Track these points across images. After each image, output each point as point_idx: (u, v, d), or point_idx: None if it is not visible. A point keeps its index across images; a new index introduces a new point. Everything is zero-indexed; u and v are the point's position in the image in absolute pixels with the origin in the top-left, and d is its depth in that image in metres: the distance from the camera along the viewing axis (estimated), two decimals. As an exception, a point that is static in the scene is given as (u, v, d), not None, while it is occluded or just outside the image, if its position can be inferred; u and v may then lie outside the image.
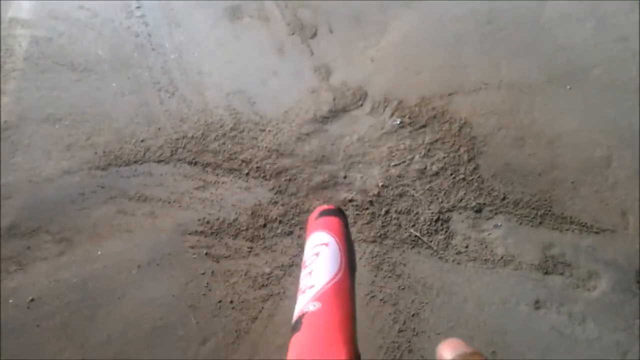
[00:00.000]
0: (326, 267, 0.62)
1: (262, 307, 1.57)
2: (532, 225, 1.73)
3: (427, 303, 1.60)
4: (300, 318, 0.53)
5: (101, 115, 1.94)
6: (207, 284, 1.61)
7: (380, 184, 1.82)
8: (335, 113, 2.00)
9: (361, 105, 2.04)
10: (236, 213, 1.75)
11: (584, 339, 1.55)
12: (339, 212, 0.79)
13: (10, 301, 1.55)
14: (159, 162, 1.84)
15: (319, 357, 0.45)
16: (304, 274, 0.64)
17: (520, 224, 1.74)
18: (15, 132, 1.86)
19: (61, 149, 1.84)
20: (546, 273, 1.65)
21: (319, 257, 0.65)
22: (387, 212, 1.76)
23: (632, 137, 1.90)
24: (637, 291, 1.61)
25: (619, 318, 1.58)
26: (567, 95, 2.04)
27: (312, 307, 0.54)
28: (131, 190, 1.77)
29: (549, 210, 1.75)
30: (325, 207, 0.81)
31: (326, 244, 0.68)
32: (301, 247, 1.66)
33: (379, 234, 1.71)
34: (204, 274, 1.63)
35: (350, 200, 1.79)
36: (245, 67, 2.15)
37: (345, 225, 0.76)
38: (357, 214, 1.76)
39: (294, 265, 1.65)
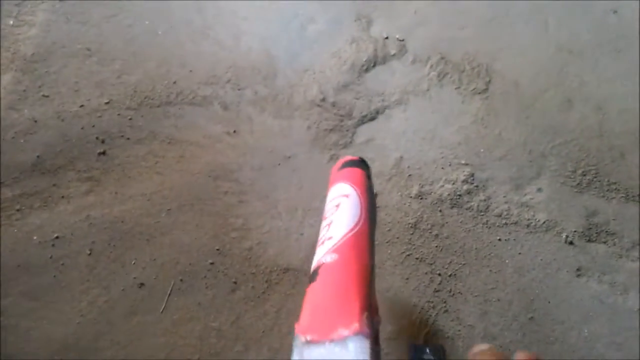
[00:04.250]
0: (345, 219, 0.61)
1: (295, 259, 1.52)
2: (576, 191, 1.67)
3: (464, 264, 1.54)
4: (317, 269, 0.52)
5: (132, 53, 1.86)
6: (238, 231, 1.55)
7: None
8: (374, 64, 1.93)
9: (402, 58, 1.96)
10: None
11: (624, 309, 1.50)
12: (362, 163, 0.78)
13: (35, 238, 1.49)
14: (191, 104, 1.77)
15: (333, 307, 0.43)
16: (323, 225, 0.63)
17: (565, 189, 1.67)
18: (43, 66, 1.78)
19: (90, 85, 1.76)
20: (589, 241, 1.59)
21: (339, 208, 0.64)
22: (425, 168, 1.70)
23: (684, 106, 1.83)
24: (683, 264, 1.56)
25: (662, 290, 1.53)
26: (617, 59, 1.96)
27: (329, 258, 0.53)
28: (162, 132, 1.71)
29: (595, 177, 1.69)
30: (348, 158, 0.80)
31: (347, 196, 0.67)
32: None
33: (417, 192, 1.64)
34: (235, 221, 1.57)
35: (388, 156, 1.73)
36: (282, 12, 2.06)
37: (368, 177, 0.76)
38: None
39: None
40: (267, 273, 1.49)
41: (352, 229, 0.58)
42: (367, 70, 1.91)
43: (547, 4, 2.12)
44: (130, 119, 1.72)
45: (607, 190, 1.67)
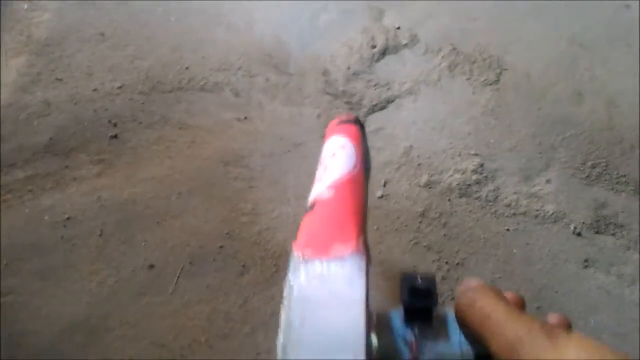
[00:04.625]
0: (341, 164, 0.61)
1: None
2: (585, 183, 1.67)
3: (472, 253, 1.55)
4: (313, 203, 0.52)
5: (146, 39, 1.88)
6: (248, 215, 1.56)
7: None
8: (386, 55, 1.93)
9: (413, 48, 1.97)
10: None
11: (632, 301, 1.50)
12: (357, 121, 0.77)
13: (46, 218, 1.51)
14: (202, 90, 1.78)
15: (330, 230, 0.44)
16: (319, 169, 0.62)
17: (574, 180, 1.68)
18: (56, 50, 1.80)
19: (103, 69, 1.78)
20: (597, 232, 1.59)
21: (335, 156, 0.64)
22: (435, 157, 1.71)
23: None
24: (690, 257, 1.56)
25: (670, 283, 1.52)
26: (628, 54, 1.96)
27: (326, 194, 0.53)
28: (173, 117, 1.72)
29: (605, 170, 1.69)
30: (344, 116, 0.78)
31: (342, 146, 0.66)
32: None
33: (426, 181, 1.65)
34: (245, 206, 1.58)
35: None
36: (295, 1, 2.07)
37: (363, 134, 0.74)
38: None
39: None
40: (276, 257, 1.50)
41: (348, 172, 0.59)
42: (378, 59, 1.92)
43: (559, -2, 2.12)
44: (143, 103, 1.73)
45: (617, 182, 1.67)
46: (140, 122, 1.69)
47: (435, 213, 1.60)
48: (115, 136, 1.65)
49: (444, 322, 0.39)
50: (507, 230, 1.58)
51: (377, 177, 1.65)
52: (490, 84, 1.87)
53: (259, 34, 1.95)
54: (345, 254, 0.39)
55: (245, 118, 1.74)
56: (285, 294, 0.36)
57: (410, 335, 0.38)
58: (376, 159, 1.68)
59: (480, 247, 1.55)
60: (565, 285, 1.51)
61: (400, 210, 1.60)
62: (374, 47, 1.95)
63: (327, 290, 0.36)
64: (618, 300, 1.50)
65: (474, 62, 1.92)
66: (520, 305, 0.39)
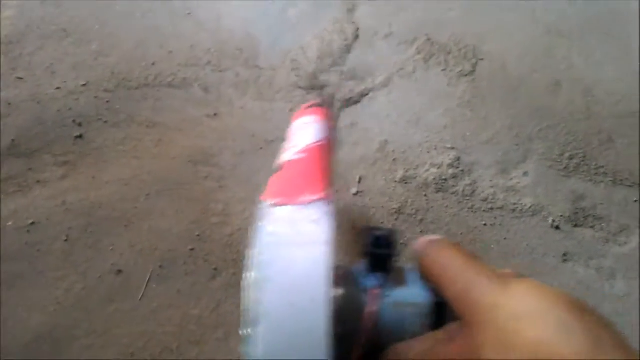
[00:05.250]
0: (310, 135, 0.63)
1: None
2: (563, 175, 1.65)
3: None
4: (281, 165, 0.54)
5: (110, 35, 1.81)
6: (219, 216, 1.52)
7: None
8: (358, 47, 1.89)
9: (387, 40, 1.93)
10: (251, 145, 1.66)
11: (612, 294, 1.48)
12: (324, 103, 0.82)
13: (9, 224, 1.45)
14: (170, 86, 1.73)
15: (299, 180, 0.47)
16: (286, 144, 0.64)
17: (551, 173, 1.65)
18: (17, 47, 1.73)
19: (66, 67, 1.72)
20: (576, 225, 1.57)
21: (302, 130, 0.67)
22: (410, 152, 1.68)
23: (672, 89, 1.81)
24: (670, 248, 1.54)
25: (649, 276, 1.51)
26: (606, 42, 1.94)
27: (296, 157, 0.55)
28: (140, 115, 1.66)
29: (582, 161, 1.67)
30: (312, 102, 0.84)
31: (310, 123, 0.70)
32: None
33: (402, 176, 1.61)
34: (215, 206, 1.53)
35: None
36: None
37: (330, 114, 0.80)
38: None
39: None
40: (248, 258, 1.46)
41: (317, 141, 0.61)
42: (350, 52, 1.88)
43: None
44: (108, 101, 1.67)
45: (595, 174, 1.65)
46: (106, 121, 1.64)
47: (412, 209, 1.57)
48: (80, 136, 1.60)
49: (404, 272, 0.41)
50: (485, 225, 1.56)
51: (351, 173, 1.61)
52: (466, 75, 1.83)
53: (228, 27, 1.90)
54: (313, 200, 0.41)
55: (215, 115, 1.70)
56: (254, 236, 0.37)
57: (371, 283, 0.40)
58: (350, 154, 1.64)
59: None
60: (544, 280, 1.47)
61: (376, 207, 1.56)
62: (346, 39, 1.90)
63: (294, 231, 0.38)
64: (598, 295, 1.48)
65: (449, 53, 1.88)
66: (477, 258, 0.39)
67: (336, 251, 0.39)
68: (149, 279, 1.41)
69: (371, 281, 0.40)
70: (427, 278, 0.37)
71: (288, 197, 0.42)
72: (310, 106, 0.83)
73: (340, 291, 0.38)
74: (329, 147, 0.64)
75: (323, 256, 0.35)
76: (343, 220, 1.52)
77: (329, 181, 0.49)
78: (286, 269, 0.35)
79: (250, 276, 0.35)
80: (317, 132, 0.66)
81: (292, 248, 0.36)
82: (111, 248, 1.45)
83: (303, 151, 0.57)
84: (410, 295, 0.39)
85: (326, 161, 0.57)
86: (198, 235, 1.48)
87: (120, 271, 1.42)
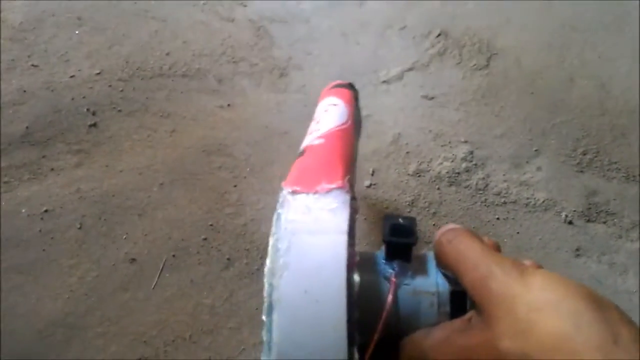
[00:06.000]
0: (333, 119, 0.65)
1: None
2: (577, 170, 1.64)
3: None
4: (304, 150, 0.56)
5: (125, 24, 1.81)
6: (232, 206, 1.52)
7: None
8: (373, 39, 1.89)
9: (402, 32, 1.92)
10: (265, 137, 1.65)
11: (624, 290, 1.48)
12: (350, 86, 0.83)
13: (23, 211, 1.45)
14: (184, 76, 1.73)
15: (318, 169, 0.48)
16: (312, 124, 0.66)
17: (564, 168, 1.65)
18: (31, 35, 1.73)
19: (81, 56, 1.72)
20: (589, 221, 1.57)
21: (327, 112, 0.68)
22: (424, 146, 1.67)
23: (687, 86, 1.80)
24: (682, 245, 1.54)
25: (661, 271, 1.50)
26: (620, 38, 1.93)
27: (317, 142, 0.57)
28: (154, 105, 1.66)
29: (596, 156, 1.66)
30: (339, 81, 0.85)
31: (335, 104, 0.71)
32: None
33: (415, 170, 1.61)
34: (229, 196, 1.53)
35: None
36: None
37: (356, 98, 0.81)
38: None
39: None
40: (261, 250, 1.46)
41: (339, 126, 0.62)
42: (365, 44, 1.88)
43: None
44: (122, 90, 1.67)
45: (608, 169, 1.64)
46: (120, 110, 1.64)
47: (425, 202, 1.57)
48: (94, 125, 1.60)
49: (423, 261, 0.41)
50: (498, 219, 1.56)
51: (364, 166, 1.61)
52: (481, 69, 1.83)
53: (243, 18, 1.90)
54: (331, 189, 0.42)
55: (229, 105, 1.70)
56: (273, 223, 0.39)
57: (390, 271, 0.40)
58: (364, 147, 1.64)
59: (471, 237, 1.52)
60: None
61: (389, 200, 1.56)
62: (360, 32, 1.90)
63: (312, 218, 0.39)
64: (610, 290, 1.48)
65: (463, 47, 1.88)
66: (497, 248, 0.39)
67: (355, 238, 0.41)
68: (162, 268, 1.42)
69: (391, 269, 0.40)
70: (445, 266, 0.38)
71: (307, 185, 0.43)
72: (335, 86, 0.84)
73: (359, 278, 0.38)
74: (351, 130, 0.65)
75: (339, 245, 0.36)
76: (363, 206, 1.53)
77: (348, 167, 0.50)
78: (302, 257, 0.35)
79: (268, 263, 0.36)
80: (340, 115, 0.66)
81: (309, 236, 0.37)
82: (125, 237, 1.45)
83: (324, 136, 0.59)
84: (429, 283, 0.39)
85: (347, 146, 0.58)
86: (211, 225, 1.48)
87: (134, 260, 1.42)
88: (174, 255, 1.43)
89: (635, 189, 1.62)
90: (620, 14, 1.99)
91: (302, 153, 0.56)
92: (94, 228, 1.45)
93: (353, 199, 0.43)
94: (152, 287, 1.39)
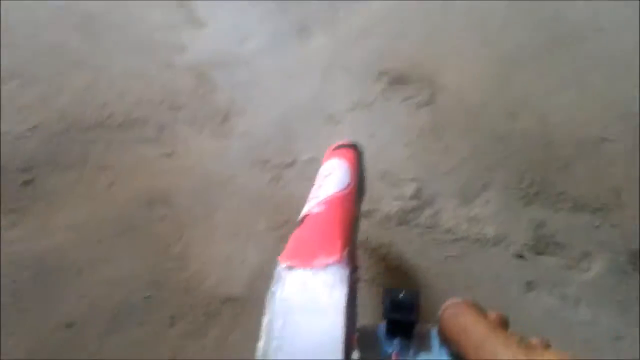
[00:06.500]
0: (335, 183, 0.65)
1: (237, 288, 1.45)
2: (524, 203, 1.64)
3: (414, 285, 1.50)
4: (303, 218, 0.55)
5: (59, 74, 1.77)
6: (176, 260, 1.47)
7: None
8: (315, 78, 1.88)
9: (345, 70, 1.92)
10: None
11: (577, 322, 1.47)
12: (355, 146, 0.86)
13: (-48, 280, 1.38)
14: (123, 126, 1.68)
15: (316, 242, 0.46)
16: (314, 188, 0.67)
17: (512, 201, 1.64)
18: (-42, 92, 1.68)
19: (12, 111, 1.66)
20: (538, 253, 1.56)
21: (330, 175, 0.69)
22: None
23: (627, 113, 1.83)
24: (632, 272, 1.54)
25: (613, 301, 1.49)
26: (560, 67, 1.95)
27: (316, 209, 0.56)
28: (92, 158, 1.61)
29: (542, 188, 1.66)
30: (343, 141, 0.89)
31: (338, 167, 0.72)
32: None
33: (364, 211, 1.59)
34: (173, 249, 1.49)
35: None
36: (220, 24, 2.00)
37: (360, 156, 0.84)
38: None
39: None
40: (206, 304, 1.41)
41: (340, 190, 0.63)
42: (308, 85, 1.87)
43: (489, 14, 2.10)
44: (58, 144, 1.62)
45: (555, 200, 1.64)
46: (57, 165, 1.58)
47: (375, 244, 1.54)
48: (30, 182, 1.54)
49: (427, 337, 0.42)
50: (448, 256, 1.54)
51: (312, 209, 1.58)
52: (426, 105, 1.83)
53: (181, 63, 1.87)
54: (328, 264, 0.41)
55: (170, 154, 1.66)
56: (267, 302, 0.37)
57: (392, 349, 0.40)
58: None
59: (422, 277, 1.50)
60: (509, 310, 1.44)
61: (338, 243, 1.53)
62: (302, 71, 1.89)
63: (307, 297, 0.37)
64: (564, 323, 1.46)
65: (407, 83, 1.88)
66: (503, 324, 0.41)
67: (356, 314, 0.41)
68: (102, 331, 1.35)
69: (392, 347, 0.40)
70: (449, 342, 0.37)
71: (303, 259, 0.42)
72: (339, 146, 0.86)
73: (358, 355, 0.38)
74: (352, 194, 0.65)
75: (335, 327, 0.35)
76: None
77: (347, 238, 0.49)
78: (297, 339, 0.34)
79: (261, 344, 0.35)
80: (341, 179, 0.67)
81: (304, 315, 0.36)
82: (63, 299, 1.39)
83: (324, 202, 0.59)
84: None
85: (347, 212, 0.58)
86: (154, 282, 1.43)
87: (71, 324, 1.35)
88: (114, 317, 1.37)
89: (583, 219, 1.62)
90: (558, 42, 2.02)
91: (301, 221, 0.55)
92: (29, 292, 1.38)
93: (353, 271, 0.43)
94: (93, 352, 1.33)
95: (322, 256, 0.42)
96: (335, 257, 0.42)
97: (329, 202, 0.59)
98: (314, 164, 1.67)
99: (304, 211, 0.59)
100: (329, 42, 2.02)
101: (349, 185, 0.65)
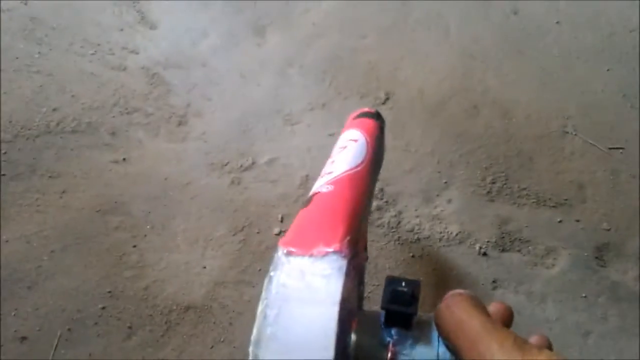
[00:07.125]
0: (348, 159, 0.64)
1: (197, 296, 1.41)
2: (487, 200, 1.63)
3: (378, 285, 1.47)
4: (311, 196, 0.55)
5: (6, 81, 1.70)
6: (132, 269, 1.42)
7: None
8: (271, 79, 1.84)
9: (302, 71, 1.89)
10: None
11: (544, 319, 1.46)
12: (377, 116, 0.83)
13: None
14: (74, 132, 1.63)
15: (318, 228, 0.46)
16: (327, 162, 0.66)
17: (475, 198, 1.64)
18: None
19: (-45, 121, 1.60)
20: (503, 250, 1.55)
21: (345, 150, 0.68)
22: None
23: (588, 108, 1.84)
24: (597, 268, 1.54)
25: (579, 297, 1.49)
26: (520, 62, 1.96)
27: (325, 189, 0.56)
28: (42, 166, 1.55)
29: (505, 184, 1.66)
30: (366, 109, 0.84)
31: (355, 140, 0.71)
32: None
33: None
34: (128, 258, 1.44)
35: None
36: (173, 27, 1.97)
37: (381, 129, 0.80)
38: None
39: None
40: (166, 314, 1.36)
41: (352, 168, 0.61)
42: (265, 86, 1.84)
43: (447, 9, 2.10)
44: (5, 153, 1.56)
45: (518, 196, 1.64)
46: (4, 175, 1.52)
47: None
48: (-24, 192, 1.47)
49: (426, 327, 0.39)
50: (413, 256, 1.52)
51: (273, 212, 1.55)
52: (384, 103, 1.81)
53: (134, 65, 1.82)
54: (327, 253, 0.40)
55: (124, 159, 1.60)
56: (264, 287, 0.37)
57: (388, 339, 0.38)
58: (271, 192, 1.59)
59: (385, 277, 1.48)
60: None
61: (300, 246, 1.50)
62: (259, 72, 1.86)
63: (304, 286, 0.37)
64: (530, 320, 1.46)
65: (365, 82, 1.86)
66: (506, 317, 0.39)
67: (362, 292, 0.42)
68: (56, 345, 1.30)
69: (389, 336, 0.38)
70: (444, 333, 0.36)
71: (303, 245, 0.42)
72: (360, 115, 0.84)
73: (354, 338, 0.38)
74: (365, 171, 0.63)
75: (329, 320, 0.35)
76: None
77: (351, 224, 0.48)
78: (290, 328, 0.34)
79: (255, 330, 0.34)
80: (357, 154, 0.66)
81: (299, 305, 0.36)
82: (13, 313, 1.33)
83: (334, 182, 0.58)
84: (430, 354, 0.37)
85: (357, 193, 0.57)
86: (109, 292, 1.38)
87: (24, 338, 1.30)
88: (69, 329, 1.32)
89: (547, 214, 1.62)
90: (517, 37, 2.03)
91: (309, 201, 0.54)
92: (-21, 308, 1.32)
93: (355, 256, 0.43)
94: (46, 367, 1.28)
95: (322, 244, 0.42)
96: (335, 246, 0.41)
97: (339, 182, 0.58)
98: (274, 165, 1.64)
99: (314, 188, 0.58)
100: (284, 42, 1.99)
101: (362, 162, 0.64)
